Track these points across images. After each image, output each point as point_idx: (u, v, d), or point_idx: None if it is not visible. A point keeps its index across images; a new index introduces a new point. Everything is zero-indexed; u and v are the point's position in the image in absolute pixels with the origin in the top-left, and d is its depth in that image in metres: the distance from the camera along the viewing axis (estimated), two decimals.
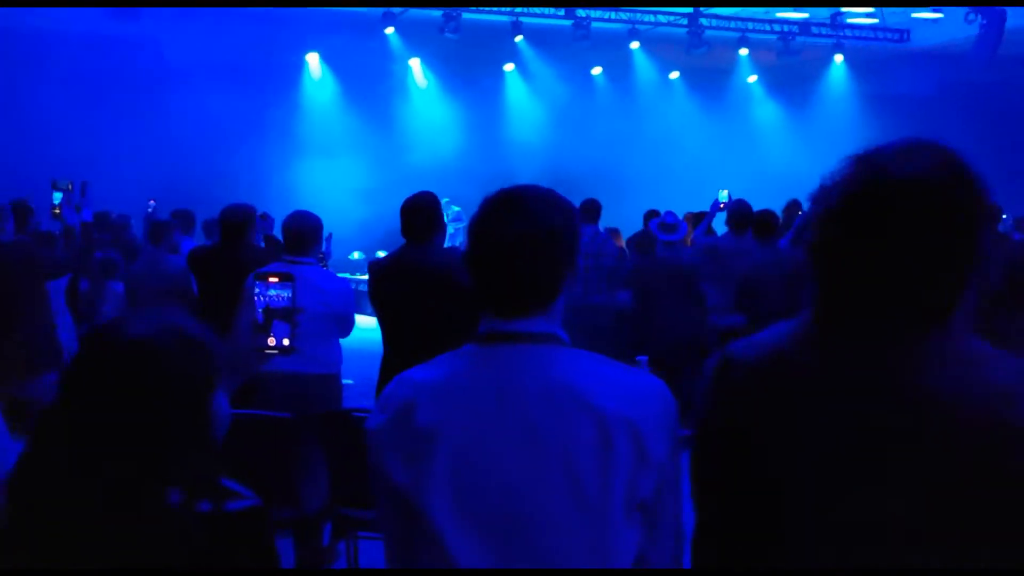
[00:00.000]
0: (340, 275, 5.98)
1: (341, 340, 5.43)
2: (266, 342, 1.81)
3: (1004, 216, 12.17)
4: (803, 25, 21.92)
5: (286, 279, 1.81)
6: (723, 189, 9.53)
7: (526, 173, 19.59)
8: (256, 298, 1.80)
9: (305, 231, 5.27)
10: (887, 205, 1.53)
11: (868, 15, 21.72)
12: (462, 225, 17.77)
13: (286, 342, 1.77)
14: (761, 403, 1.58)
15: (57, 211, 6.60)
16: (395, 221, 5.08)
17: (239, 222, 6.14)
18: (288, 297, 1.82)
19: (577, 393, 1.73)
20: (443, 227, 5.11)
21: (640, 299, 8.07)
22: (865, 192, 1.56)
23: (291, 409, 4.49)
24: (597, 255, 8.04)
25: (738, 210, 8.00)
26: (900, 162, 1.56)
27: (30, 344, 5.41)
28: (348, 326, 5.42)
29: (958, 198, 1.54)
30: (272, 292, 1.85)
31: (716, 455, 1.65)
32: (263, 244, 7.52)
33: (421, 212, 4.99)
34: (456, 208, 17.94)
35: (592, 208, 8.42)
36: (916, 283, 1.52)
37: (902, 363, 1.50)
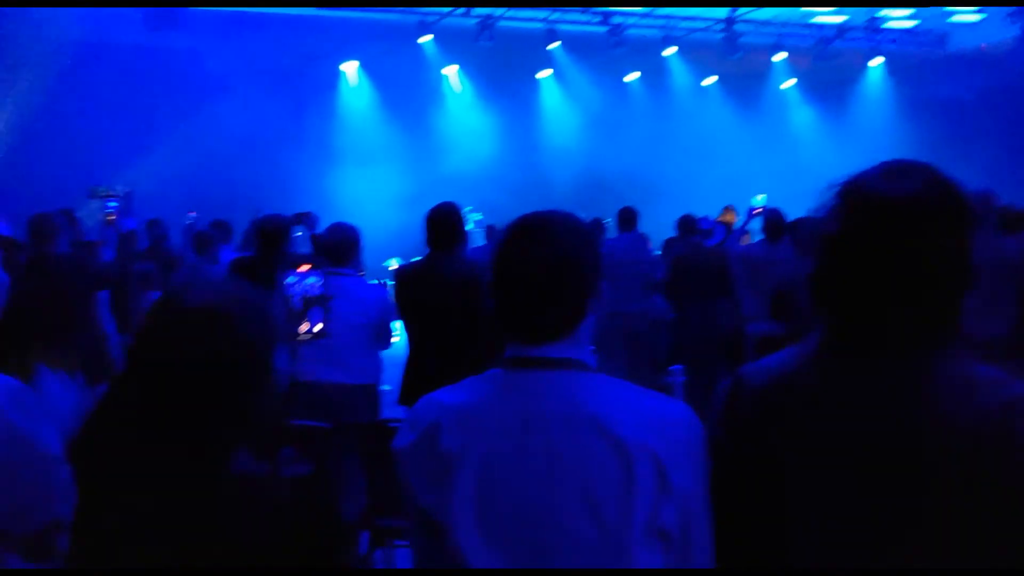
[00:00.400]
0: (374, 283, 6.06)
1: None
2: (300, 329, 1.87)
3: None
4: (840, 29, 21.78)
5: (315, 266, 1.90)
6: (760, 194, 9.56)
7: (561, 179, 19.63)
8: (291, 288, 1.86)
9: (344, 243, 5.36)
10: (880, 227, 1.57)
11: (906, 18, 21.55)
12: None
13: (319, 327, 1.84)
14: (770, 426, 1.62)
15: (112, 218, 6.68)
16: None
17: (276, 232, 6.23)
18: (321, 285, 1.88)
19: (600, 421, 1.74)
20: (465, 236, 5.34)
21: (675, 295, 8.07)
22: (857, 216, 1.60)
23: (329, 419, 4.57)
24: (634, 262, 8.06)
25: (772, 218, 7.98)
26: (889, 184, 1.60)
27: (84, 356, 5.46)
28: (386, 336, 5.49)
29: (948, 214, 1.58)
30: (308, 281, 1.92)
31: (728, 475, 1.70)
32: (311, 243, 7.58)
33: (444, 222, 5.24)
34: (478, 216, 18.01)
35: (628, 216, 8.47)
36: (914, 301, 1.55)
37: (905, 385, 1.54)
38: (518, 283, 1.82)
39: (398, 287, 5.35)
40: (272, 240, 6.25)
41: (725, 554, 1.71)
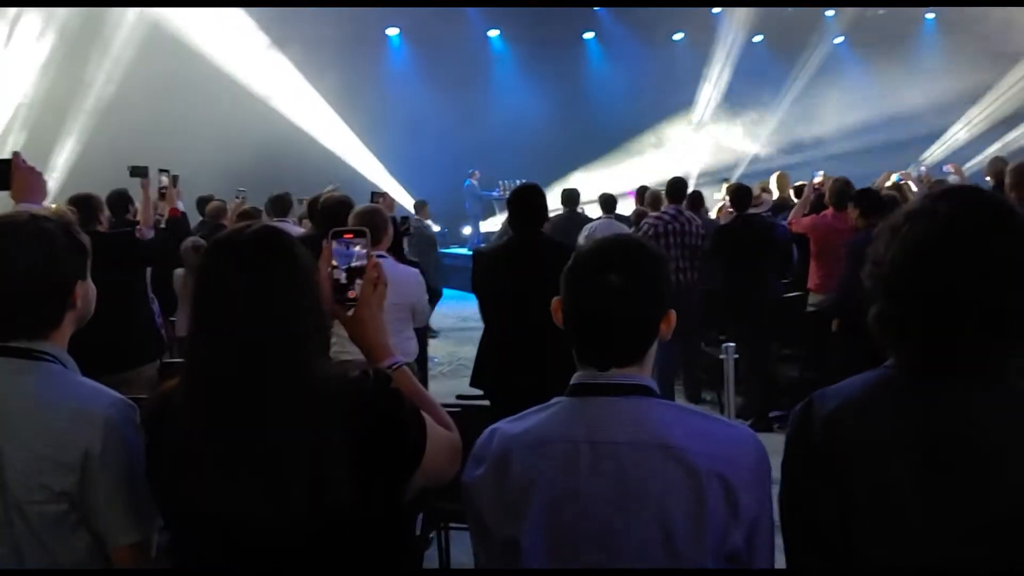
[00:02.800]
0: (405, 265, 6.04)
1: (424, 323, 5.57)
2: (347, 295, 1.89)
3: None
4: None
5: (360, 234, 1.91)
6: (819, 172, 9.50)
7: (604, 141, 19.52)
8: (337, 255, 1.89)
9: (375, 224, 5.40)
10: (943, 252, 1.57)
11: None
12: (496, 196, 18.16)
13: (355, 293, 1.90)
14: (840, 453, 1.63)
15: (163, 194, 6.65)
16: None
17: (336, 211, 6.33)
18: (365, 253, 1.91)
19: (670, 447, 1.74)
20: (546, 217, 5.20)
21: (721, 266, 8.02)
22: (920, 247, 1.60)
23: None
24: (681, 233, 8.02)
25: (839, 188, 7.84)
26: (949, 209, 1.60)
27: (134, 334, 5.54)
28: (422, 315, 5.52)
29: (1009, 236, 1.58)
30: (355, 249, 1.94)
31: (800, 500, 1.70)
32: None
33: (527, 202, 5.11)
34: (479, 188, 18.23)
35: (676, 187, 8.39)
36: (983, 325, 1.55)
37: (981, 413, 1.55)
38: (589, 311, 1.83)
39: (478, 269, 5.30)
40: (332, 219, 6.33)
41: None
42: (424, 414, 1.92)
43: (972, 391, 1.57)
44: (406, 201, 16.78)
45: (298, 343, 1.81)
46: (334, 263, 2.07)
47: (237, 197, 9.64)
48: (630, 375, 1.84)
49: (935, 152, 20.31)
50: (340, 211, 6.28)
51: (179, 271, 7.46)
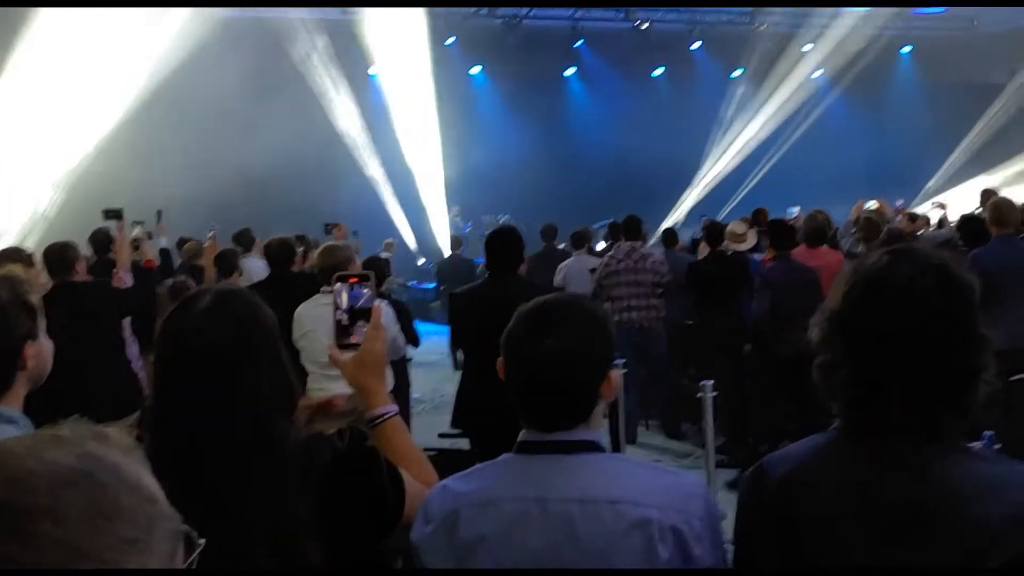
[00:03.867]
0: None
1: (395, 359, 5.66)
2: (349, 339, 1.91)
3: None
4: (867, 17, 21.56)
5: (365, 279, 1.94)
6: (795, 207, 9.62)
7: (587, 175, 19.61)
8: (340, 298, 1.92)
9: (340, 263, 5.48)
10: (890, 317, 1.59)
11: (934, 4, 21.31)
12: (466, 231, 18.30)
13: (357, 339, 1.92)
14: (791, 518, 1.65)
15: (136, 246, 6.70)
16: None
17: (282, 253, 6.53)
18: (369, 296, 1.93)
19: (619, 502, 1.74)
20: (523, 259, 5.25)
21: (699, 301, 8.10)
22: (865, 308, 1.62)
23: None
24: (634, 271, 8.17)
25: (813, 224, 7.91)
26: (897, 272, 1.63)
27: (110, 388, 5.49)
28: (395, 347, 5.61)
29: (954, 302, 1.60)
30: (360, 291, 1.97)
31: (753, 563, 1.73)
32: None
33: (504, 244, 5.21)
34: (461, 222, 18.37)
35: (630, 224, 8.58)
36: (928, 391, 1.58)
37: (927, 482, 1.57)
38: (531, 375, 1.83)
39: (456, 311, 5.36)
40: (279, 261, 6.48)
41: None
42: (403, 473, 1.94)
43: (918, 452, 1.59)
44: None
45: (263, 411, 1.85)
46: (338, 307, 2.10)
47: (210, 234, 9.64)
48: (575, 433, 1.84)
49: (921, 185, 20.50)
50: (284, 251, 6.46)
51: None
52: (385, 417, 2.07)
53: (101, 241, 7.97)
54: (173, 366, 1.88)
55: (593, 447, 1.85)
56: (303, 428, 1.95)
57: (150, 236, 7.24)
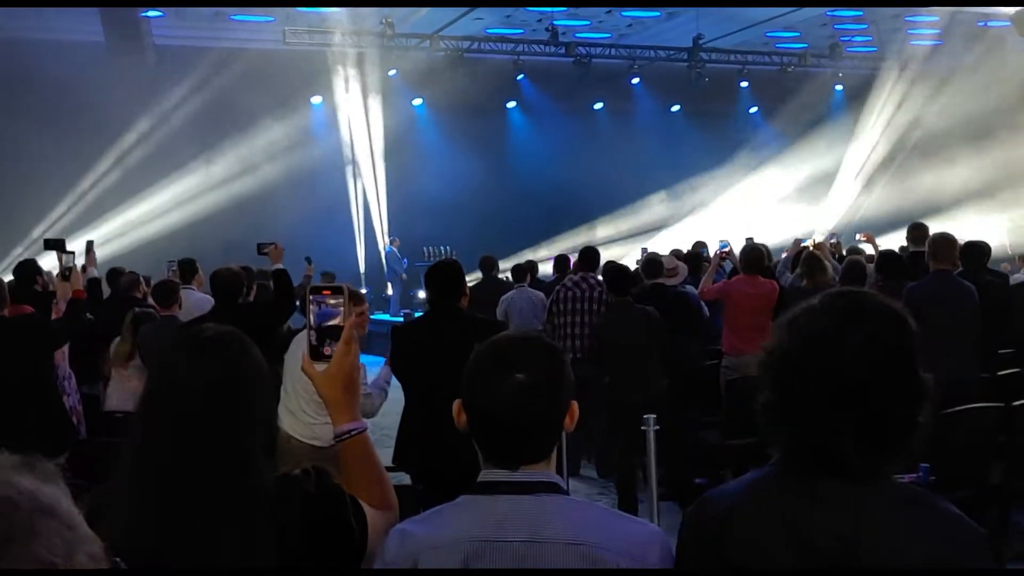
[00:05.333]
0: None
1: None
2: (323, 352, 1.89)
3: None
4: (802, 56, 22.10)
5: (338, 291, 1.92)
6: (727, 242, 9.79)
7: (527, 208, 19.73)
8: (314, 312, 1.90)
9: (235, 284, 5.32)
10: (827, 357, 1.62)
11: (866, 45, 21.88)
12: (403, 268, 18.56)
13: (330, 351, 1.90)
14: (730, 553, 1.67)
15: (69, 274, 6.53)
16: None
17: (233, 283, 6.43)
18: (342, 310, 1.91)
19: (576, 544, 1.75)
20: (465, 293, 5.16)
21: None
22: (821, 352, 1.64)
23: None
24: (583, 299, 8.31)
25: (749, 255, 8.06)
26: (834, 320, 1.65)
27: (39, 425, 5.33)
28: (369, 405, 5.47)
29: (894, 348, 1.64)
30: (330, 304, 1.95)
31: None
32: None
33: (444, 278, 5.10)
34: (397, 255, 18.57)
35: (585, 255, 8.79)
36: (865, 430, 1.61)
37: (860, 519, 1.61)
38: (492, 413, 1.83)
39: (397, 346, 5.25)
40: (225, 292, 6.35)
41: None
42: (363, 504, 1.95)
43: (856, 492, 1.61)
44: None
45: (247, 448, 1.87)
46: (311, 320, 2.07)
47: (171, 270, 9.47)
48: (536, 472, 1.85)
49: (845, 218, 20.94)
50: (231, 283, 6.35)
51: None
52: (352, 433, 2.05)
53: (23, 275, 7.80)
54: (160, 403, 1.89)
55: (554, 488, 1.85)
56: (276, 469, 1.97)
57: (85, 270, 7.11)
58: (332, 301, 2.08)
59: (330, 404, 2.05)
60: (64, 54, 15.66)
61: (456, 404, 1.89)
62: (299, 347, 5.00)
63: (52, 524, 0.94)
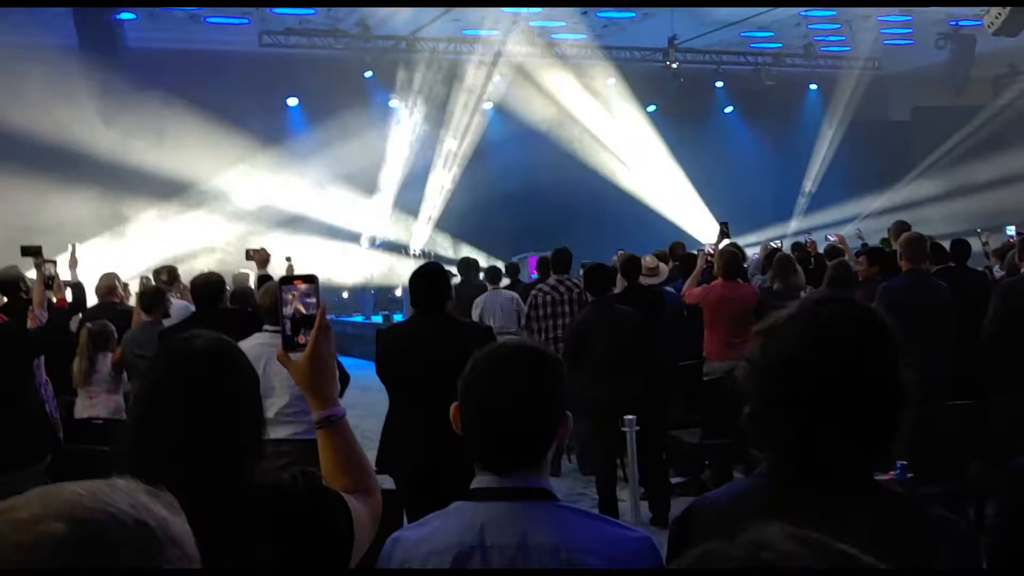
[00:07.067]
0: None
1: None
2: (297, 340, 1.89)
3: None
4: (776, 56, 22.23)
5: (310, 280, 1.92)
6: (707, 244, 9.83)
7: (506, 209, 19.73)
8: (286, 301, 1.88)
9: (215, 289, 5.24)
10: (816, 363, 1.63)
11: (840, 45, 22.04)
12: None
13: (304, 339, 1.89)
14: None
15: (49, 284, 6.47)
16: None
17: (212, 290, 6.41)
18: (315, 303, 1.90)
19: (564, 551, 1.78)
20: (449, 297, 5.13)
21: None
22: (810, 362, 1.65)
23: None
24: (561, 303, 8.30)
25: (728, 258, 8.06)
26: (821, 320, 1.67)
27: (18, 432, 5.25)
28: (342, 383, 5.47)
29: (875, 349, 1.65)
30: (301, 291, 1.94)
31: None
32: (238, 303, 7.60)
33: (428, 282, 5.08)
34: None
35: (559, 257, 8.71)
36: (853, 435, 1.63)
37: (843, 523, 1.53)
38: (488, 419, 1.86)
39: (380, 350, 5.20)
40: (207, 298, 6.34)
41: None
42: (348, 499, 1.98)
43: (841, 500, 1.63)
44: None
45: (239, 454, 1.90)
46: (284, 309, 2.07)
47: (158, 277, 9.42)
48: (529, 479, 1.88)
49: (819, 218, 21.08)
50: (211, 288, 6.34)
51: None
52: (332, 419, 2.07)
53: (12, 282, 7.71)
54: (150, 409, 1.91)
55: (547, 495, 1.88)
56: (267, 474, 2.00)
57: (74, 251, 7.06)
58: (304, 288, 2.08)
59: (307, 392, 2.07)
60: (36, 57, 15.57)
61: (453, 407, 1.93)
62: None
63: (177, 554, 0.95)
